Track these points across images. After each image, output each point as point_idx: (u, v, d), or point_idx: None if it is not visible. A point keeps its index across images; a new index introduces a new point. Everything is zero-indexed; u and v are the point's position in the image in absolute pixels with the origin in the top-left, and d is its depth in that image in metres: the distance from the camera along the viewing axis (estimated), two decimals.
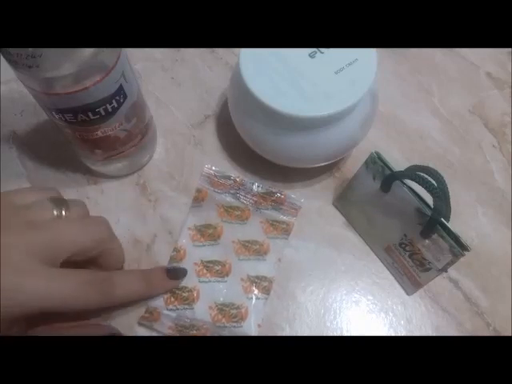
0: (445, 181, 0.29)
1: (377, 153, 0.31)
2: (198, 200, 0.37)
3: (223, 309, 0.33)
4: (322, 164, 0.36)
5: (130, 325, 0.33)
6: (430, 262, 0.31)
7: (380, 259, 0.36)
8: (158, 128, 0.40)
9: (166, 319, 0.32)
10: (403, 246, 0.33)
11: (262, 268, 0.35)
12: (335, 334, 0.34)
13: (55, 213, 0.27)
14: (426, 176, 0.29)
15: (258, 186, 0.37)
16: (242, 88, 0.32)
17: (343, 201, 0.37)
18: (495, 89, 0.44)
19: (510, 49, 0.46)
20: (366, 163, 0.33)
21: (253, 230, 0.36)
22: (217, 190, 0.38)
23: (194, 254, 0.35)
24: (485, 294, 0.35)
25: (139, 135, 0.35)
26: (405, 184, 0.30)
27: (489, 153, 0.41)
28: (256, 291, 0.34)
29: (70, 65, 0.25)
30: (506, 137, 0.42)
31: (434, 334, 0.34)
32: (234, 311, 0.33)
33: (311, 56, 0.32)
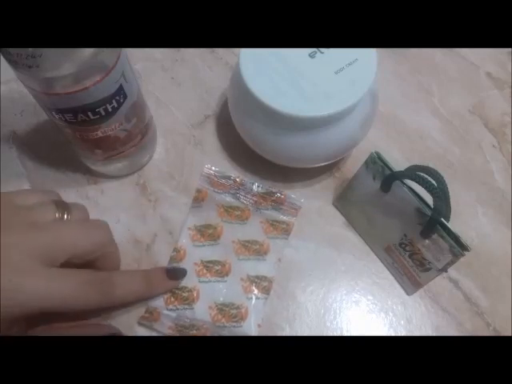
0: (445, 181, 0.29)
1: (377, 153, 0.31)
2: (198, 200, 0.37)
3: (223, 309, 0.33)
4: (322, 164, 0.36)
5: (129, 325, 0.33)
6: (430, 262, 0.31)
7: (380, 259, 0.36)
8: (158, 128, 0.40)
9: (165, 319, 0.32)
10: (403, 246, 0.33)
11: (262, 268, 0.35)
12: (335, 334, 0.34)
13: (57, 215, 0.27)
14: (426, 176, 0.29)
15: (258, 186, 0.37)
16: (242, 88, 0.32)
17: (343, 201, 0.37)
18: (495, 89, 0.44)
19: (509, 49, 0.46)
20: (366, 163, 0.33)
21: (253, 229, 0.36)
22: (217, 190, 0.37)
23: (194, 254, 0.35)
24: (485, 294, 0.35)
25: (139, 135, 0.35)
26: (405, 184, 0.30)
27: (489, 153, 0.41)
28: (256, 291, 0.34)
29: (69, 65, 0.25)
30: (506, 137, 0.42)
31: (434, 334, 0.34)
32: (234, 311, 0.33)
33: (311, 56, 0.32)
